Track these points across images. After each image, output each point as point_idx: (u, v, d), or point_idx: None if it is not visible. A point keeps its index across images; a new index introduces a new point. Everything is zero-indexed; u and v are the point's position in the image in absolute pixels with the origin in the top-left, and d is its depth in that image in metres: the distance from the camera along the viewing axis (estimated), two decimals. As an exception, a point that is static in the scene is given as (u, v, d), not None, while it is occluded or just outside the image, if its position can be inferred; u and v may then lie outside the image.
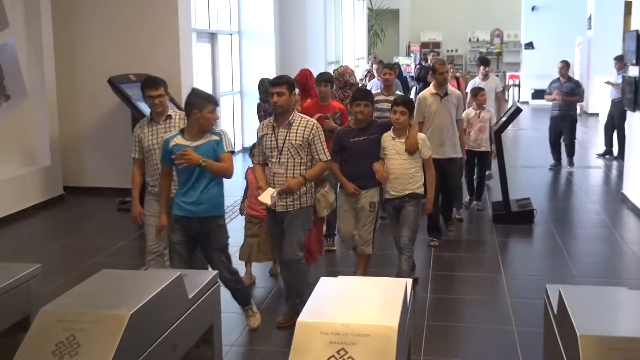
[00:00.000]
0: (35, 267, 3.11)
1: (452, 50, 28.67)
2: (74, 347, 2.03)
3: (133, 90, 8.98)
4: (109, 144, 9.56)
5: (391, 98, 6.74)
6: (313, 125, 5.05)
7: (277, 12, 13.76)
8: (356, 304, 2.27)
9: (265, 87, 8.75)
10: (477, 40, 28.72)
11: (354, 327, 2.05)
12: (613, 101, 12.04)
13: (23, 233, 8.11)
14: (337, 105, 6.95)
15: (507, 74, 24.07)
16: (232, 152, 4.80)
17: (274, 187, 5.01)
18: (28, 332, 2.11)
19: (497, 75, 15.29)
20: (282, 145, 5.02)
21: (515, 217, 7.92)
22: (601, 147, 12.65)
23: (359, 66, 20.14)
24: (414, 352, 2.93)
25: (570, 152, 11.43)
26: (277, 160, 5.03)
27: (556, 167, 11.31)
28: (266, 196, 4.92)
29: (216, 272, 2.91)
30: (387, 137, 5.65)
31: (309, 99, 7.75)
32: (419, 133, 5.77)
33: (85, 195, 9.50)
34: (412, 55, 25.79)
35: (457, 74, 13.47)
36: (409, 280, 2.54)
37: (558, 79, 11.25)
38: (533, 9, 21.96)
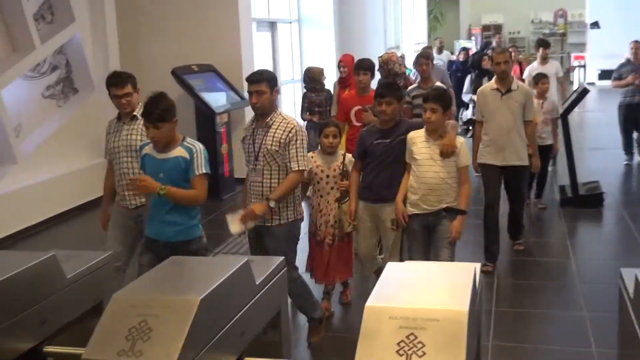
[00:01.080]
0: (107, 255, 3.18)
1: (514, 33, 28.05)
2: (146, 332, 2.05)
3: (196, 80, 9.09)
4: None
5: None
6: (292, 128, 4.35)
7: (336, -1, 13.71)
8: (425, 288, 2.24)
9: (312, 75, 8.61)
10: (540, 21, 28.02)
11: (424, 311, 2.02)
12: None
13: (92, 223, 8.31)
14: None
15: (572, 55, 23.45)
16: (207, 175, 4.03)
17: (251, 200, 4.42)
18: (101, 317, 2.15)
19: (560, 57, 14.95)
20: (257, 149, 4.41)
21: (583, 201, 7.72)
22: None
23: (419, 51, 19.94)
24: (483, 338, 2.89)
25: None
26: (254, 167, 4.44)
27: (631, 162, 10.04)
28: (234, 225, 4.23)
29: (283, 257, 2.91)
30: (418, 138, 4.65)
31: (347, 88, 7.33)
32: (458, 136, 4.72)
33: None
34: (473, 38, 25.36)
35: (520, 57, 12.85)
36: (478, 265, 2.49)
37: (628, 61, 9.77)
38: (598, -13, 21.31)
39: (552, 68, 9.37)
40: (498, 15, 28.24)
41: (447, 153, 4.55)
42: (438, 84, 6.66)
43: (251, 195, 4.45)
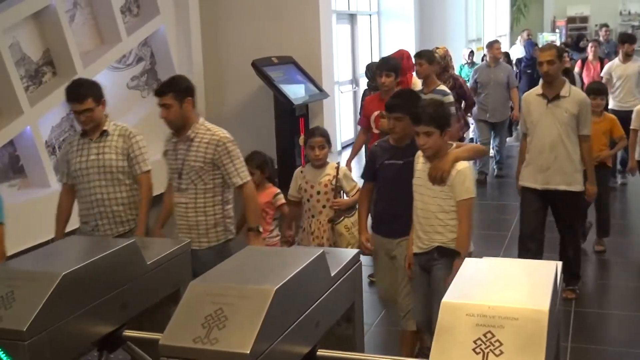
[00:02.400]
0: (186, 243, 3.22)
1: (600, 25, 27.12)
2: (221, 320, 2.07)
3: (276, 72, 9.16)
4: (252, 125, 9.81)
5: (432, 96, 5.45)
6: (219, 141, 3.91)
7: (416, -9, 13.57)
8: (503, 285, 2.17)
9: (372, 71, 7.66)
10: (629, 13, 26.97)
11: (502, 309, 1.96)
12: None
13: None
14: None
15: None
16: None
17: (176, 222, 4.01)
18: (179, 304, 2.18)
19: None
20: (181, 166, 3.98)
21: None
22: None
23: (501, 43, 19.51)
24: (562, 339, 2.80)
25: None
26: (178, 185, 4.01)
27: None
28: None
29: (358, 250, 2.89)
30: (420, 158, 3.78)
31: (400, 86, 6.85)
32: (463, 162, 3.66)
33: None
34: (557, 31, 24.65)
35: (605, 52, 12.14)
36: (559, 263, 2.41)
37: None
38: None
39: (636, 67, 8.32)
40: (585, 6, 27.33)
41: (435, 178, 3.64)
42: (441, 87, 6.03)
43: (176, 216, 4.05)
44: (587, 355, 4.38)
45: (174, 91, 3.91)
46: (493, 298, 2.04)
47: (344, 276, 2.66)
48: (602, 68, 9.34)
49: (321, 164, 4.56)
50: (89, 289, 2.53)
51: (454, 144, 3.75)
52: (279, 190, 4.85)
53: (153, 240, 3.49)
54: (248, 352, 1.97)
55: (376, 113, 5.33)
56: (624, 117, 7.23)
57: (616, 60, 8.51)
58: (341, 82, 11.79)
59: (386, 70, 5.40)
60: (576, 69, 9.88)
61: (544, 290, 2.10)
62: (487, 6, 18.61)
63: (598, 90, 6.12)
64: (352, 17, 12.49)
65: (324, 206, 4.48)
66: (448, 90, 6.07)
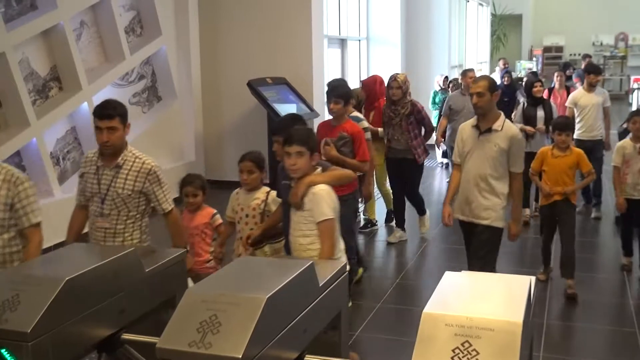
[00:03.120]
0: (182, 252, 3.22)
1: (574, 55, 27.39)
2: (215, 326, 2.07)
3: (270, 92, 9.20)
4: (247, 141, 9.81)
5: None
6: (149, 171, 3.76)
7: (403, 19, 13.68)
8: (481, 298, 2.20)
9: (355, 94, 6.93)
10: (601, 44, 27.28)
11: (479, 320, 1.98)
12: None
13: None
14: (350, 128, 5.27)
15: (632, 78, 22.74)
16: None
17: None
18: (175, 310, 2.18)
19: (619, 79, 14.21)
20: (105, 192, 3.77)
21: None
22: None
23: (482, 70, 19.63)
24: (534, 349, 2.82)
25: None
26: (100, 210, 3.79)
27: None
28: None
29: (345, 262, 2.90)
30: None
31: (373, 111, 7.07)
32: (322, 185, 3.56)
33: (225, 188, 9.74)
34: (534, 59, 24.88)
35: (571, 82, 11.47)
36: (533, 278, 2.43)
37: None
38: (661, 12, 20.61)
39: (600, 98, 7.95)
40: (560, 37, 27.62)
41: (293, 203, 3.57)
42: (355, 114, 5.88)
43: (92, 239, 3.85)
44: (557, 365, 4.40)
45: (120, 115, 3.70)
46: (471, 310, 2.06)
47: (331, 286, 2.67)
48: (568, 94, 9.25)
49: (252, 188, 4.39)
50: (90, 293, 2.53)
51: (319, 168, 3.66)
52: (216, 211, 4.71)
53: (151, 249, 3.49)
54: (240, 356, 1.98)
55: (323, 141, 5.04)
56: (589, 147, 7.38)
57: (580, 90, 8.14)
58: (331, 103, 11.81)
59: (335, 97, 5.26)
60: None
61: (519, 303, 2.12)
62: (468, 34, 18.76)
63: (564, 125, 5.69)
64: (342, 42, 12.57)
65: (251, 229, 4.29)
66: (362, 116, 6.24)
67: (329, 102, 5.34)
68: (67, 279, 2.40)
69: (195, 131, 9.68)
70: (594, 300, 5.57)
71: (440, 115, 10.08)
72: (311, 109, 9.58)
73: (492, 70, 21.17)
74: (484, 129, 4.56)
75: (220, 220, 4.69)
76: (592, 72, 8.02)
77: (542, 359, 4.37)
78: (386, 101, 6.86)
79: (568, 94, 9.24)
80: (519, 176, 4.62)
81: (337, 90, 5.38)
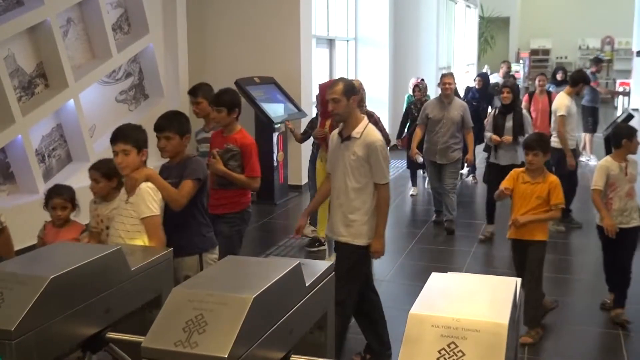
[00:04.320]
0: (168, 251, 3.21)
1: (561, 58, 27.59)
2: (202, 325, 2.07)
3: (258, 92, 9.19)
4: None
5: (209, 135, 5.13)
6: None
7: (391, 20, 13.71)
8: (467, 299, 2.20)
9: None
10: (587, 47, 27.51)
11: (465, 322, 1.98)
12: None
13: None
14: (241, 139, 4.81)
15: (617, 81, 22.93)
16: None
17: None
18: (161, 309, 2.17)
19: (605, 83, 13.99)
20: None
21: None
22: None
23: (469, 72, 19.70)
24: (519, 351, 2.83)
25: None
26: None
27: None
28: None
29: (332, 262, 2.90)
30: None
31: (330, 119, 5.89)
32: (145, 183, 3.71)
33: (211, 187, 9.81)
34: (521, 61, 25.02)
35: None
36: (519, 280, 2.45)
37: None
38: (646, 16, 20.81)
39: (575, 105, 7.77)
40: (547, 40, 27.84)
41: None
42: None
43: None
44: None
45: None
46: (457, 311, 2.07)
47: (318, 286, 2.67)
48: (550, 101, 8.83)
49: (106, 197, 4.23)
50: (75, 292, 2.51)
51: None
52: (85, 226, 4.45)
53: (138, 248, 3.47)
54: (226, 356, 1.98)
55: (211, 152, 4.83)
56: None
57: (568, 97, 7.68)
58: (319, 103, 11.83)
59: (216, 106, 4.83)
60: (524, 103, 9.28)
61: (505, 304, 2.13)
62: (456, 36, 18.83)
63: (533, 143, 4.80)
64: (330, 42, 12.57)
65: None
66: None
67: (212, 110, 4.99)
68: (52, 277, 2.38)
69: (182, 130, 9.64)
70: (577, 302, 5.61)
71: (408, 123, 9.12)
72: (299, 109, 9.58)
73: (479, 72, 21.27)
74: (345, 137, 4.20)
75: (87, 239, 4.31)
76: (585, 82, 7.85)
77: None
78: None
79: (549, 99, 8.96)
80: (384, 188, 4.17)
81: (219, 98, 4.86)
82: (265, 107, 9.06)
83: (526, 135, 6.51)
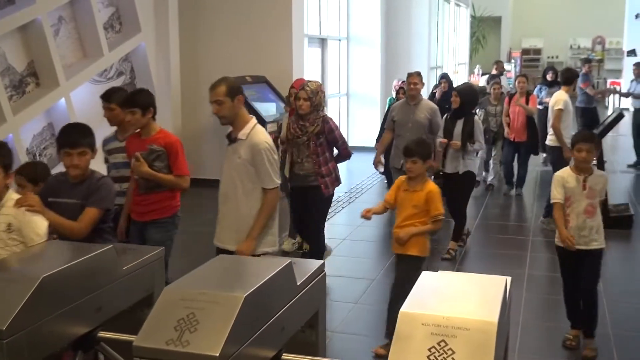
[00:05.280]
0: (159, 250, 3.22)
1: (552, 57, 27.69)
2: (193, 324, 2.07)
3: (249, 91, 9.18)
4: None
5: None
6: None
7: (383, 19, 13.73)
8: (457, 298, 2.22)
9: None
10: (579, 47, 27.61)
11: (455, 320, 2.00)
12: (638, 110, 11.46)
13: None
14: (164, 139, 4.51)
15: (608, 81, 23.04)
16: None
17: None
18: (153, 308, 2.18)
19: (596, 82, 14.06)
20: None
21: (613, 222, 7.55)
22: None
23: (458, 72, 19.75)
24: (510, 349, 2.84)
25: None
26: None
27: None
28: None
29: (323, 261, 2.92)
30: None
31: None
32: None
33: (202, 186, 9.74)
34: (512, 61, 25.09)
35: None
36: (509, 278, 2.47)
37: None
38: (637, 16, 20.89)
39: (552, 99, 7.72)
40: (538, 39, 27.92)
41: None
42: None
43: None
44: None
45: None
46: (447, 309, 2.08)
47: (309, 285, 2.68)
48: (527, 102, 9.05)
49: None
50: (66, 291, 2.51)
51: None
52: None
53: (130, 247, 3.48)
54: (217, 354, 1.98)
55: (133, 156, 4.48)
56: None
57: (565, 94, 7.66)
58: (311, 102, 11.83)
59: (129, 107, 4.46)
60: (504, 106, 9.28)
61: (494, 303, 2.15)
62: (448, 35, 18.87)
63: (413, 150, 4.47)
64: (322, 42, 12.58)
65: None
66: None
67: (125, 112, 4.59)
68: (43, 276, 2.38)
69: (173, 128, 9.61)
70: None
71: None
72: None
73: (470, 71, 21.34)
74: (232, 139, 4.08)
75: None
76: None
77: (517, 359, 4.42)
78: (294, 114, 5.65)
79: (527, 101, 9.04)
80: (271, 192, 4.00)
81: (132, 100, 4.50)
82: (257, 106, 9.05)
83: (476, 144, 6.46)
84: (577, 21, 26.90)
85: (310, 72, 11.56)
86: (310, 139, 5.43)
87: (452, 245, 6.61)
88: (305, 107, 5.40)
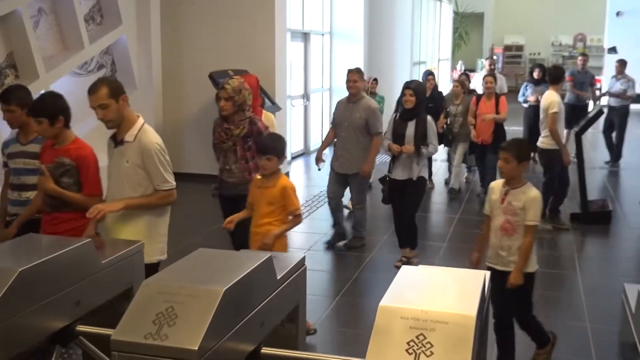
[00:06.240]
0: (139, 244, 3.20)
1: (534, 54, 27.86)
2: (172, 318, 2.07)
3: (231, 84, 9.14)
4: (207, 133, 9.70)
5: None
6: None
7: (366, 14, 13.74)
8: (436, 291, 2.23)
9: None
10: (560, 44, 27.80)
11: (434, 314, 2.01)
12: (614, 108, 11.29)
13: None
14: (75, 152, 4.02)
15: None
16: None
17: None
18: (131, 302, 2.17)
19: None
20: None
21: (592, 218, 7.64)
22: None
23: (437, 68, 19.80)
24: (489, 343, 2.86)
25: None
26: None
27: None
28: None
29: (303, 255, 2.92)
30: None
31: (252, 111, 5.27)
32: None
33: (184, 180, 9.68)
34: (495, 57, 25.22)
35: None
36: (488, 272, 2.48)
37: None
38: (618, 14, 21.09)
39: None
40: (520, 36, 28.07)
41: None
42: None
43: None
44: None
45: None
46: (426, 303, 2.09)
47: (289, 279, 2.68)
48: (497, 105, 8.52)
49: None
50: (44, 285, 2.49)
51: None
52: None
53: (109, 241, 3.45)
54: (196, 348, 1.98)
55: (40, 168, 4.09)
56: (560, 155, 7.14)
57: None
58: (293, 97, 11.84)
59: (34, 117, 4.04)
60: (471, 106, 8.74)
61: (473, 297, 2.16)
62: (431, 31, 18.91)
63: (269, 147, 4.30)
64: (305, 36, 12.56)
65: None
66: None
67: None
68: (20, 270, 2.36)
69: (155, 122, 9.56)
70: (548, 295, 5.69)
71: None
72: (273, 102, 9.56)
73: (453, 67, 21.41)
74: (118, 141, 3.85)
75: None
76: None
77: (495, 353, 4.45)
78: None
79: (497, 102, 8.53)
80: (167, 194, 3.90)
81: (38, 107, 4.08)
82: (239, 101, 9.03)
83: (430, 147, 5.93)
84: (559, 18, 27.09)
85: (292, 66, 11.55)
86: (237, 143, 4.94)
87: (409, 254, 6.25)
88: (227, 108, 4.87)
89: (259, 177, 4.35)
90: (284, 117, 10.33)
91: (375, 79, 9.42)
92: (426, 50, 18.26)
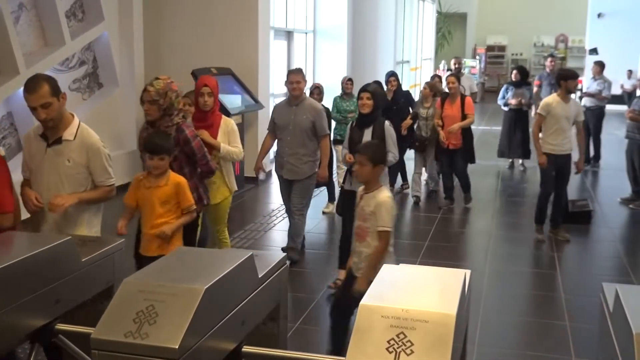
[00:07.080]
0: (119, 242, 3.19)
1: (516, 54, 28.05)
2: (152, 317, 2.06)
3: (214, 82, 9.11)
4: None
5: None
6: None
7: (350, 13, 13.75)
8: (416, 290, 2.24)
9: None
10: (542, 44, 28.00)
11: (414, 312, 2.02)
12: (589, 109, 11.13)
13: (109, 211, 8.40)
14: None
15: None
16: None
17: None
18: (112, 300, 2.16)
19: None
20: None
21: (572, 217, 7.70)
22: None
23: (420, 67, 19.88)
24: (468, 342, 2.88)
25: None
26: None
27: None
28: None
29: (285, 254, 2.92)
30: None
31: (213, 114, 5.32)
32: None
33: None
34: (477, 57, 25.35)
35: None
36: (468, 271, 2.50)
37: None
38: (599, 15, 21.29)
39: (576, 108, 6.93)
40: (503, 37, 28.25)
41: None
42: None
43: None
44: (489, 358, 4.51)
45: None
46: (406, 302, 2.10)
47: (271, 278, 2.68)
48: (462, 105, 8.09)
49: None
50: (23, 283, 2.48)
51: None
52: None
53: (89, 238, 3.43)
54: (177, 347, 1.98)
55: None
56: (562, 164, 6.79)
57: (555, 96, 6.85)
58: (276, 95, 11.81)
59: None
60: (436, 109, 8.29)
61: (453, 296, 2.18)
62: (414, 30, 18.98)
63: (160, 146, 4.03)
64: (289, 34, 12.55)
65: None
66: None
67: None
68: (-1, 267, 2.34)
69: (137, 120, 9.51)
70: (528, 294, 5.74)
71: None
72: (256, 101, 9.55)
73: (436, 66, 21.49)
74: (53, 140, 3.66)
75: None
76: (570, 78, 6.79)
77: (476, 352, 4.49)
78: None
79: (463, 104, 8.09)
80: (108, 190, 3.84)
81: None
82: (222, 99, 8.97)
83: (389, 155, 5.18)
84: (541, 19, 27.29)
85: (276, 65, 11.54)
86: None
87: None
88: (152, 112, 4.47)
89: (141, 177, 4.09)
90: (267, 114, 10.29)
91: (350, 79, 8.72)
92: (409, 49, 18.32)
